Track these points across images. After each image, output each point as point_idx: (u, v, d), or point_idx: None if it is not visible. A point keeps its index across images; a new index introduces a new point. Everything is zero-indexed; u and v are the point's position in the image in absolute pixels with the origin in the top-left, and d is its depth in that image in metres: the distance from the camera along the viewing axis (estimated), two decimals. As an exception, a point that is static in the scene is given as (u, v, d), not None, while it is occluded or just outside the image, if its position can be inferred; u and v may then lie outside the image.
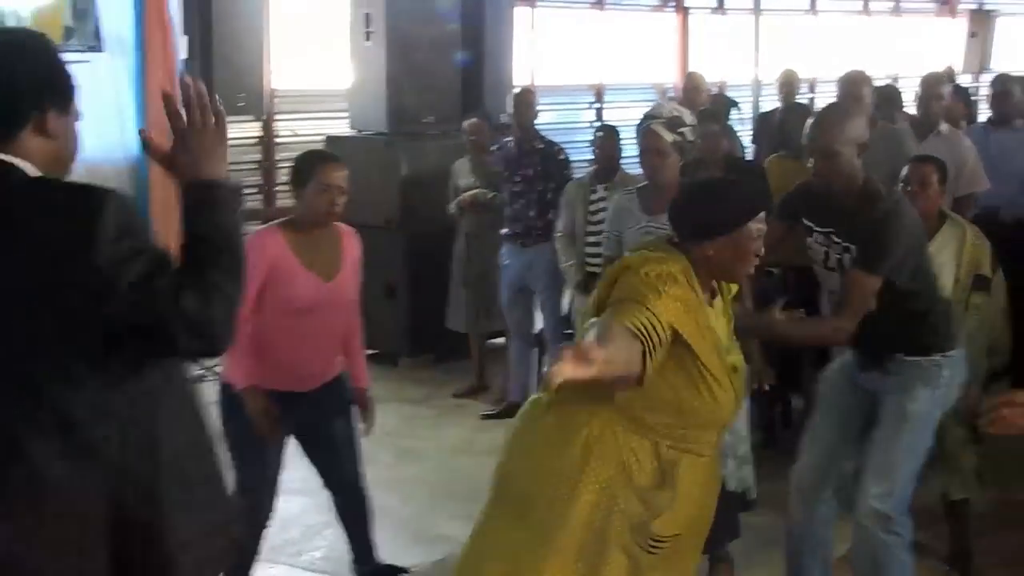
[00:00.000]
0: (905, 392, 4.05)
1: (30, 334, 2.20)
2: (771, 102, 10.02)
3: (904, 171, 4.98)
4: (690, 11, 13.80)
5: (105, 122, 7.82)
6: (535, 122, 7.27)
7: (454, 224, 7.63)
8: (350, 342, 4.57)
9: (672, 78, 13.60)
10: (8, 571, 2.20)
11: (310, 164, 4.36)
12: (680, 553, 3.23)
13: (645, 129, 4.67)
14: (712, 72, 13.64)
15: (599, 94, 13.01)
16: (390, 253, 8.01)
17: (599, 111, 12.98)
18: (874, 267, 3.89)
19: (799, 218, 4.16)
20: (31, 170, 2.26)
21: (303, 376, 4.41)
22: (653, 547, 3.13)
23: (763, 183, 4.21)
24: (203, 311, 2.20)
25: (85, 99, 2.42)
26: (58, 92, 2.33)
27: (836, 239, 4.01)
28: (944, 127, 6.71)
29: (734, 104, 8.31)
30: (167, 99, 2.37)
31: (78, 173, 2.42)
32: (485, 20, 8.56)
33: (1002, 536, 5.14)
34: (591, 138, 6.81)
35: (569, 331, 7.04)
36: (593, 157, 6.72)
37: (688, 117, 4.71)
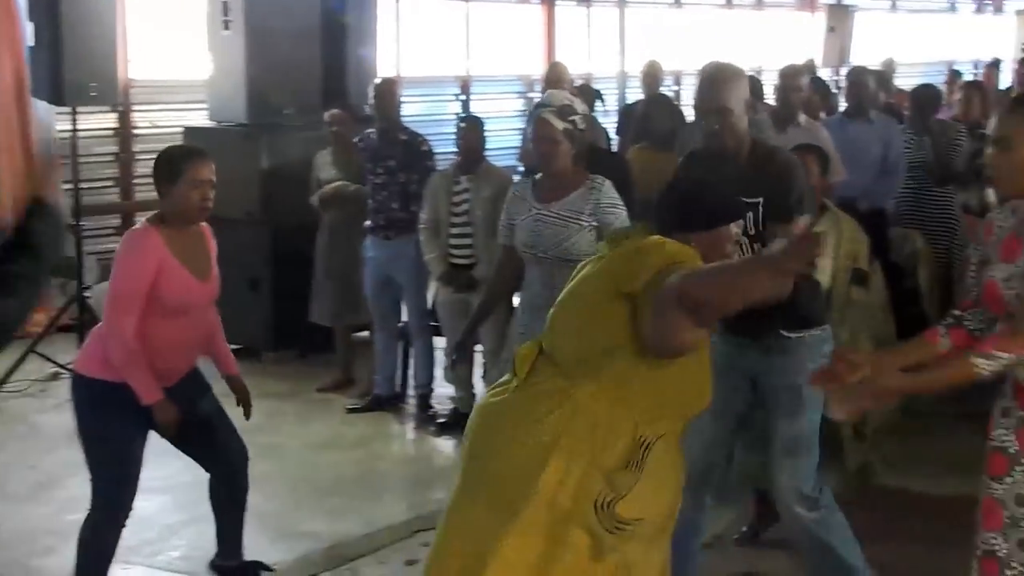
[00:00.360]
0: (795, 375, 4.09)
1: None
2: (637, 94, 10.12)
3: None
4: (556, 3, 13.88)
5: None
6: (400, 113, 7.22)
7: (317, 217, 7.56)
8: (215, 334, 4.56)
9: (539, 70, 13.67)
10: None
11: (178, 160, 4.29)
12: (642, 539, 3.23)
13: (536, 117, 4.70)
14: (579, 64, 13.77)
15: (465, 86, 13.01)
16: (252, 246, 7.90)
17: (465, 103, 12.99)
18: (796, 212, 4.02)
19: None
20: None
21: (172, 373, 4.36)
22: (617, 529, 3.15)
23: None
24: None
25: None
26: None
27: None
28: (802, 118, 6.84)
29: (598, 95, 8.34)
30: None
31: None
32: (347, 10, 8.46)
33: (853, 516, 5.25)
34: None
35: (434, 323, 7.03)
36: (456, 149, 6.70)
37: (579, 106, 4.74)
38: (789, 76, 6.98)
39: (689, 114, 7.73)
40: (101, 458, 4.29)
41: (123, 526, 4.41)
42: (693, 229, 3.26)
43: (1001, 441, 3.21)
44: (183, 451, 4.55)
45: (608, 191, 4.68)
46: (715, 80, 4.12)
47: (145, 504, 5.26)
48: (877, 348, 5.03)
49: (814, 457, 4.21)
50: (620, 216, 4.68)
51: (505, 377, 3.38)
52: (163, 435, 4.31)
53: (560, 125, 4.64)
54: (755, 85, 7.55)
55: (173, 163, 4.27)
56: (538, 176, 4.87)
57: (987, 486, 3.22)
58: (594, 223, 4.61)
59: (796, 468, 4.16)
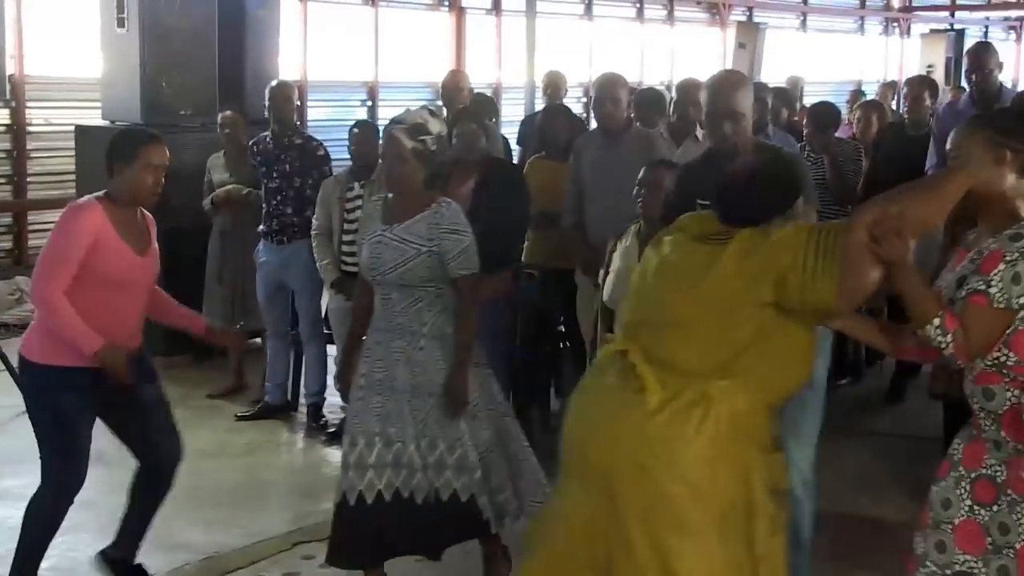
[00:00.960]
0: None
1: None
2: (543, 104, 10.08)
3: (640, 173, 5.19)
4: (466, 11, 13.84)
5: None
6: (295, 117, 7.11)
7: (210, 220, 7.42)
8: (167, 305, 4.74)
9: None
10: None
11: (134, 143, 4.39)
12: None
13: (387, 133, 4.51)
14: (488, 73, 13.75)
15: (373, 92, 12.93)
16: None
17: (372, 108, 12.91)
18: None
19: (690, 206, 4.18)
20: None
21: None
22: (783, 502, 3.35)
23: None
24: None
25: None
26: None
27: None
28: (700, 132, 6.82)
29: (493, 108, 8.23)
30: None
31: None
32: (246, 10, 8.32)
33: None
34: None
35: (328, 331, 6.92)
36: (350, 155, 6.62)
37: (435, 125, 4.51)
38: (687, 90, 6.99)
39: (590, 124, 7.73)
40: (53, 441, 4.39)
41: (71, 503, 4.50)
42: (764, 221, 3.32)
43: (954, 448, 3.32)
44: (118, 435, 4.58)
45: (452, 215, 4.47)
46: (725, 85, 4.30)
47: (16, 513, 5.10)
48: None
49: (815, 439, 4.38)
50: (463, 242, 4.45)
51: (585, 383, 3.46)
52: (114, 381, 4.31)
53: (409, 144, 4.42)
54: (656, 98, 7.56)
55: (128, 145, 4.39)
56: (389, 195, 4.65)
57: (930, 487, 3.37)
58: (434, 248, 4.41)
59: (806, 451, 4.32)
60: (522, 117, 10.09)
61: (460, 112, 6.28)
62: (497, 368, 6.11)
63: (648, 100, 7.38)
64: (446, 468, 4.41)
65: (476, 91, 8.48)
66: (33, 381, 4.42)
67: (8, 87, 7.88)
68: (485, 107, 7.06)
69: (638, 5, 16.46)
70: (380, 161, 5.87)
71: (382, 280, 4.49)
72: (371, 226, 4.59)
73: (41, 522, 4.50)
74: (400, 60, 13.22)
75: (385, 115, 12.49)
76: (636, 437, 3.25)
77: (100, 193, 4.41)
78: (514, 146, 8.71)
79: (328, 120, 12.14)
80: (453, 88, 7.78)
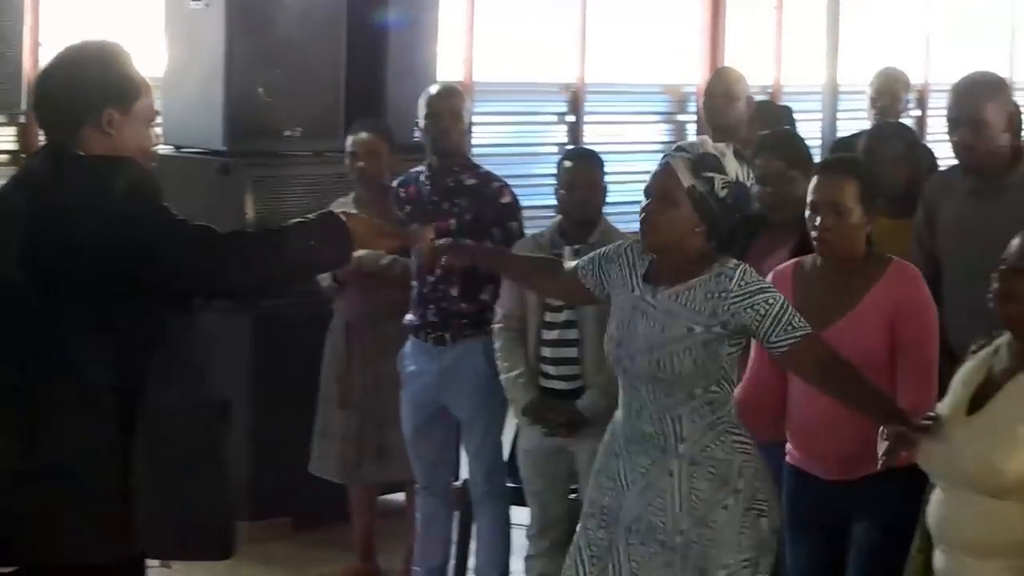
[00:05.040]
0: None
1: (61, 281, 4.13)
2: (852, 119, 9.97)
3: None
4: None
5: None
6: (467, 142, 7.13)
7: (328, 305, 7.58)
8: None
9: (695, 77, 13.55)
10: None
11: None
12: None
13: (661, 164, 4.71)
14: (759, 70, 13.62)
15: (576, 100, 12.96)
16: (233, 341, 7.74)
17: (575, 126, 12.92)
18: None
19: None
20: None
21: None
22: None
23: None
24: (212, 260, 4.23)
25: None
26: (119, 96, 4.22)
27: None
28: None
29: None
30: None
31: None
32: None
33: None
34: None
35: (513, 484, 6.88)
36: (557, 201, 6.59)
37: (732, 165, 4.67)
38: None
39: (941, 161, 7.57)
40: None
41: None
42: None
43: None
44: None
45: (744, 275, 4.61)
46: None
47: None
48: None
49: None
50: (777, 301, 4.59)
51: None
52: None
53: (687, 180, 4.61)
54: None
55: None
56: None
57: None
58: (716, 327, 4.57)
59: None
60: (816, 139, 9.94)
61: (764, 140, 6.29)
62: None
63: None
64: None
65: (759, 99, 8.38)
66: None
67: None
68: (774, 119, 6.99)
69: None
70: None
71: (630, 367, 4.64)
72: (623, 276, 4.75)
73: None
74: (619, 50, 13.24)
75: (594, 137, 12.48)
76: None
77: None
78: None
79: (503, 146, 12.20)
80: (722, 98, 7.68)
